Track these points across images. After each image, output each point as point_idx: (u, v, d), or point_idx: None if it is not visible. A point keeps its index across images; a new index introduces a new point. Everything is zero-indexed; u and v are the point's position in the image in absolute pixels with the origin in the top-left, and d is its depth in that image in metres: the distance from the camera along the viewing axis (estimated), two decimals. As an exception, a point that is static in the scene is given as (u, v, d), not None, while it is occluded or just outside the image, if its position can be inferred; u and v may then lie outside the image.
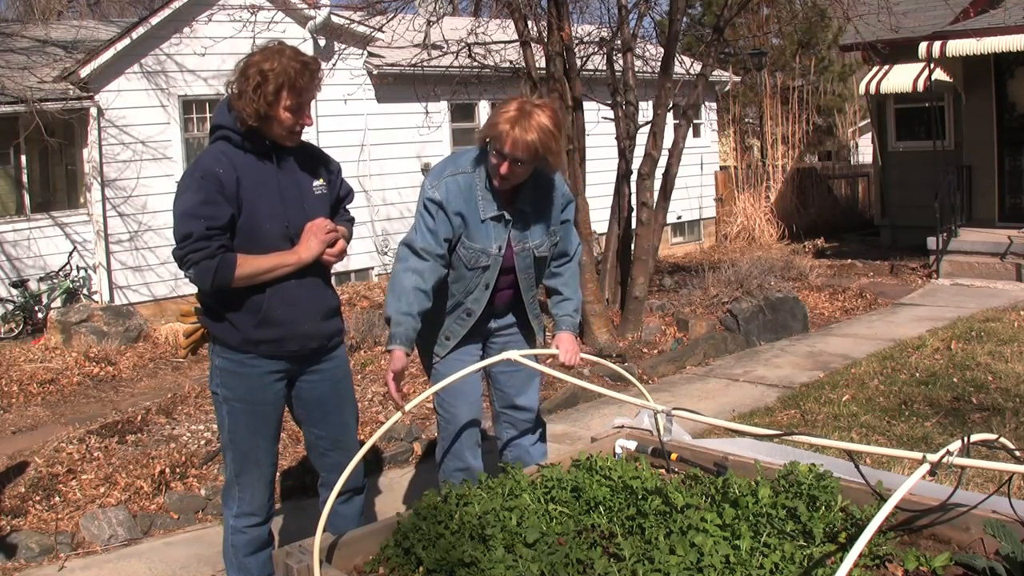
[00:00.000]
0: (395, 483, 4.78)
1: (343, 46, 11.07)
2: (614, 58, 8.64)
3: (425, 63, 9.00)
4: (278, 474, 3.95)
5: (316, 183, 2.86)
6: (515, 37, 7.74)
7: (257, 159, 2.74)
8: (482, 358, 3.22)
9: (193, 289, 2.86)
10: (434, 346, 3.22)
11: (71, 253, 9.71)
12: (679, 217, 15.01)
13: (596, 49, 9.19)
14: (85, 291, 9.75)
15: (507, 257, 3.13)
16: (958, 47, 10.10)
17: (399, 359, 2.91)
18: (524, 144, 2.87)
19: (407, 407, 2.76)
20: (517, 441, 3.45)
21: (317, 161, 2.91)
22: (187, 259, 2.64)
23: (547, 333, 3.54)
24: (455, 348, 3.22)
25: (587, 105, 8.00)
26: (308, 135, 11.65)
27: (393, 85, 11.45)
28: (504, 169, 2.94)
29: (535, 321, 3.33)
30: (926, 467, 1.75)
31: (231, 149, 2.72)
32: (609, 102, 8.49)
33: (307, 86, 2.68)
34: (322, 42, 11.18)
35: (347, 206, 3.02)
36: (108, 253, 9.99)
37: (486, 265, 3.08)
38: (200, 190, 2.64)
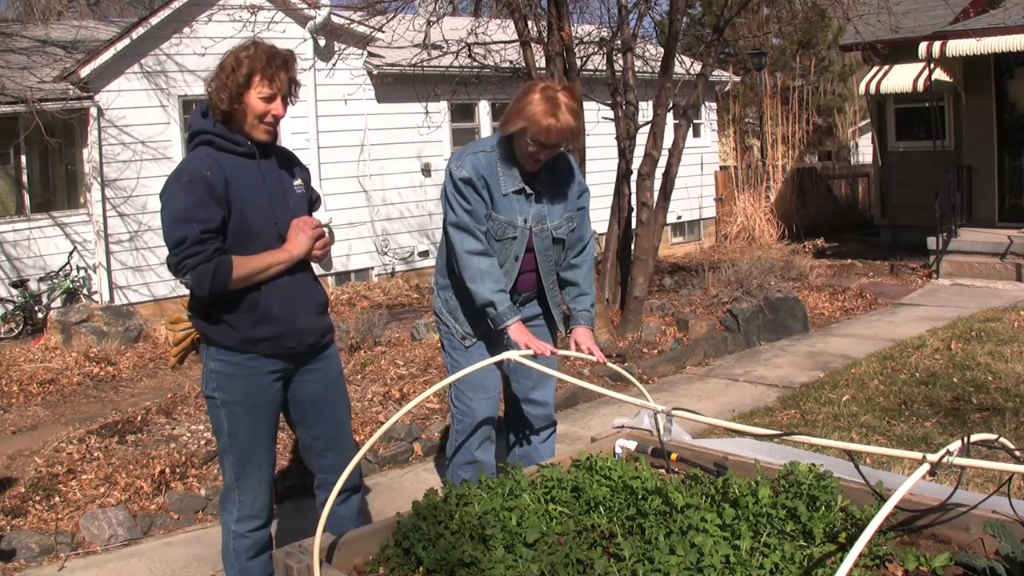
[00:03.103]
0: (395, 483, 4.78)
1: (343, 46, 11.05)
2: (614, 58, 8.63)
3: (425, 63, 8.99)
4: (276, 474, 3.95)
5: (296, 183, 2.92)
6: (515, 37, 7.73)
7: (241, 159, 2.74)
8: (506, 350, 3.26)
9: (191, 290, 2.85)
10: (462, 325, 3.31)
11: (71, 253, 9.71)
12: (679, 217, 15.01)
13: (596, 49, 9.18)
14: (85, 291, 9.75)
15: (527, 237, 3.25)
16: (958, 47, 10.10)
17: (523, 329, 3.11)
18: (559, 131, 3.04)
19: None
20: (527, 437, 3.46)
21: (292, 164, 2.96)
22: (183, 265, 2.60)
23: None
24: (483, 337, 3.29)
25: (587, 105, 7.97)
26: (308, 134, 11.46)
27: (393, 85, 11.44)
28: (542, 156, 3.11)
29: (556, 311, 3.40)
30: (926, 467, 1.75)
31: (215, 152, 2.71)
32: (609, 102, 8.48)
33: (278, 74, 2.70)
34: (322, 42, 11.17)
35: (314, 213, 3.03)
36: (108, 253, 9.99)
37: (513, 236, 3.21)
38: (190, 193, 2.62)
